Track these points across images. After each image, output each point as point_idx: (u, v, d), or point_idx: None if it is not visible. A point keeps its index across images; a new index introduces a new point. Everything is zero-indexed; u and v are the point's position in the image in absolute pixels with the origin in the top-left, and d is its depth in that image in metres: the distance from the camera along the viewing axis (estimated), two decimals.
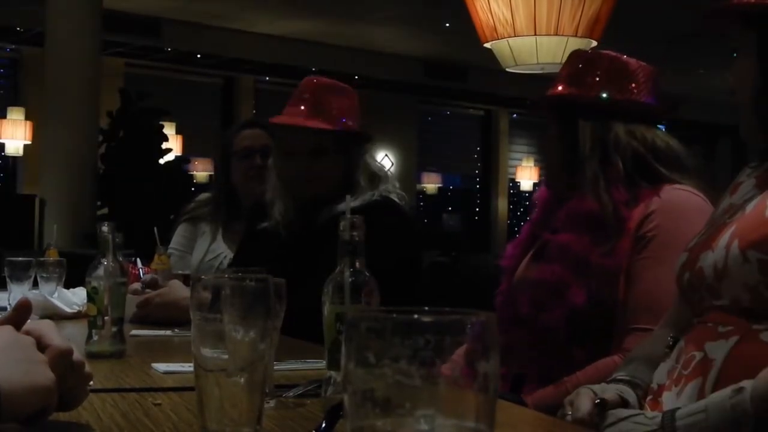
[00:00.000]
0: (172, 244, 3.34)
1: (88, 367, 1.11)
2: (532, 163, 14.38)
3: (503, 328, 1.97)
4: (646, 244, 1.86)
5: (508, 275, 2.13)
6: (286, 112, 2.60)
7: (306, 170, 2.53)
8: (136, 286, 2.76)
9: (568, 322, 1.86)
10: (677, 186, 1.92)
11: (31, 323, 1.08)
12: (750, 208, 1.41)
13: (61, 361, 1.04)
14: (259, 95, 12.53)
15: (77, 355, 1.08)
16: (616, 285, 1.85)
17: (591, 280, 1.86)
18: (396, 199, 2.54)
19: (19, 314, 1.08)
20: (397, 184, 2.61)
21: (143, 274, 3.07)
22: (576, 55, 2.12)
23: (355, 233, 1.25)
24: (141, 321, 2.39)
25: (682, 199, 1.88)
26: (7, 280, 2.54)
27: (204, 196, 3.45)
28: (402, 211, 2.52)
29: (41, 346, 1.04)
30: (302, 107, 2.57)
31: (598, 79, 2.03)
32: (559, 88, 2.07)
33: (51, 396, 1.00)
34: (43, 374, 0.99)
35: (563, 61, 2.18)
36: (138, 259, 3.39)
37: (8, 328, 1.04)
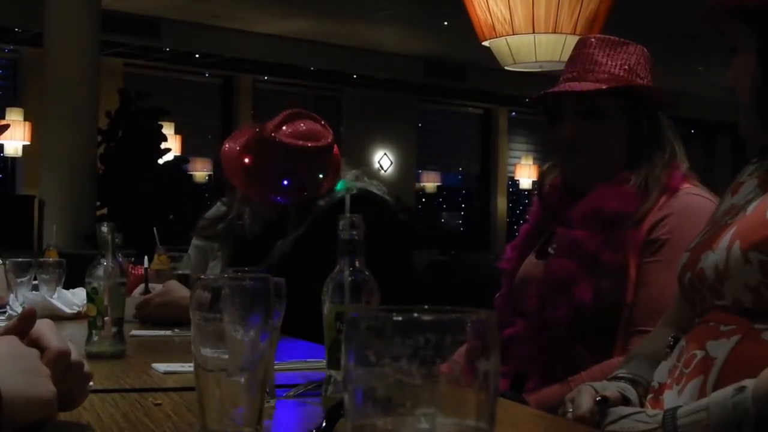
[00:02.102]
0: (184, 266, 3.22)
1: (87, 367, 1.11)
2: (531, 162, 14.38)
3: (503, 327, 1.97)
4: (659, 248, 1.85)
5: (507, 278, 2.12)
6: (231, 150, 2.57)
7: (253, 211, 2.57)
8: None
9: (573, 319, 1.85)
10: (691, 190, 1.91)
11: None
12: (751, 209, 1.41)
13: (60, 362, 1.04)
14: (258, 95, 12.54)
15: (75, 356, 1.08)
16: (624, 285, 1.84)
17: (599, 279, 1.85)
18: (375, 191, 2.52)
19: (24, 324, 1.07)
20: (370, 180, 2.58)
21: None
22: (611, 42, 2.04)
23: (354, 232, 1.25)
24: (141, 321, 2.39)
25: (696, 204, 1.86)
26: (7, 280, 2.54)
27: (215, 211, 3.04)
28: (385, 203, 2.51)
29: (39, 347, 1.05)
30: (246, 160, 2.51)
31: (642, 68, 2.01)
32: (615, 72, 2.00)
33: (51, 409, 1.01)
34: (44, 387, 1.00)
35: (562, 59, 2.15)
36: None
37: (13, 338, 1.04)
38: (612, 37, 2.07)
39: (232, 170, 2.53)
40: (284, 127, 2.45)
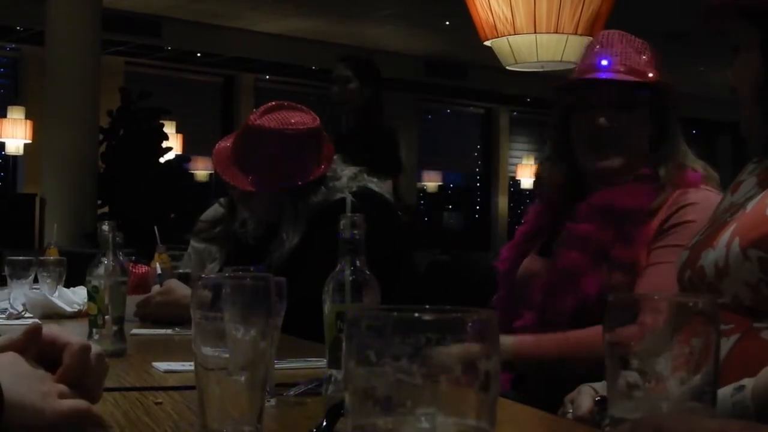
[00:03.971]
0: (185, 265, 3.19)
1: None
2: (532, 162, 14.36)
3: (503, 328, 1.97)
4: (669, 234, 1.86)
5: (504, 279, 2.11)
6: (222, 150, 2.57)
7: (246, 210, 2.59)
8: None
9: (576, 311, 1.85)
10: (705, 187, 1.92)
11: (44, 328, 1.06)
12: (750, 206, 1.41)
13: (81, 357, 1.02)
14: (260, 94, 12.53)
15: (96, 349, 1.07)
16: (632, 281, 1.84)
17: (608, 273, 1.85)
18: (375, 188, 2.52)
19: (28, 340, 1.03)
20: (370, 177, 2.59)
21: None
22: (629, 40, 2.04)
23: (355, 231, 1.25)
24: (141, 320, 2.40)
25: (710, 198, 1.86)
26: (8, 279, 2.54)
27: (213, 213, 3.04)
28: (384, 200, 2.51)
29: (57, 345, 1.03)
30: (233, 152, 2.54)
31: (656, 64, 2.02)
32: (629, 70, 2.00)
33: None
34: (51, 407, 0.96)
35: (563, 59, 2.15)
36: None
37: (15, 356, 1.00)
38: (627, 33, 2.07)
39: (222, 165, 2.54)
40: (267, 116, 2.48)
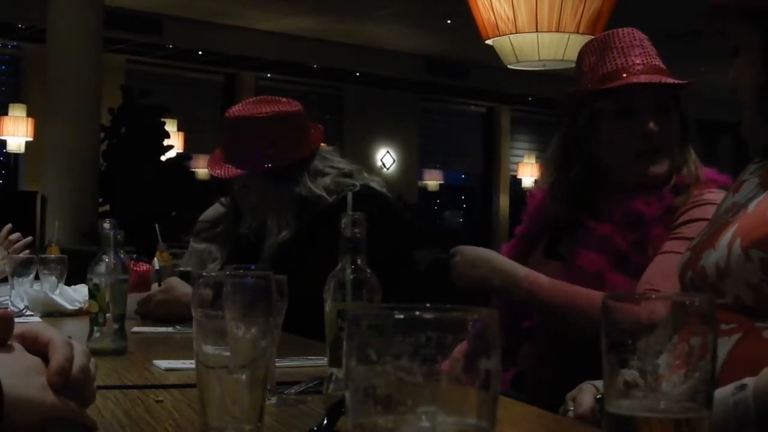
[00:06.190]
0: (185, 265, 3.18)
1: (93, 365, 1.07)
2: (533, 160, 14.36)
3: (505, 326, 1.97)
4: (688, 225, 1.86)
5: None
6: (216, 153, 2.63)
7: (242, 205, 2.63)
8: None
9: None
10: (715, 190, 1.92)
11: (24, 326, 1.03)
12: (752, 206, 1.41)
13: (67, 350, 1.00)
14: (261, 92, 12.53)
15: (80, 359, 1.03)
16: None
17: (628, 277, 1.85)
18: (377, 187, 2.52)
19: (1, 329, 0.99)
20: (371, 176, 2.60)
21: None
22: (642, 38, 2.00)
23: (356, 230, 1.25)
24: (142, 318, 2.40)
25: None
26: (9, 276, 2.54)
27: (213, 213, 3.01)
28: (386, 200, 2.52)
29: (39, 343, 1.01)
30: (219, 149, 2.60)
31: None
32: (654, 65, 1.98)
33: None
34: (50, 397, 0.96)
35: (565, 58, 2.14)
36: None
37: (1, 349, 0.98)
38: (637, 30, 2.04)
39: (210, 162, 2.58)
40: (243, 106, 2.53)
